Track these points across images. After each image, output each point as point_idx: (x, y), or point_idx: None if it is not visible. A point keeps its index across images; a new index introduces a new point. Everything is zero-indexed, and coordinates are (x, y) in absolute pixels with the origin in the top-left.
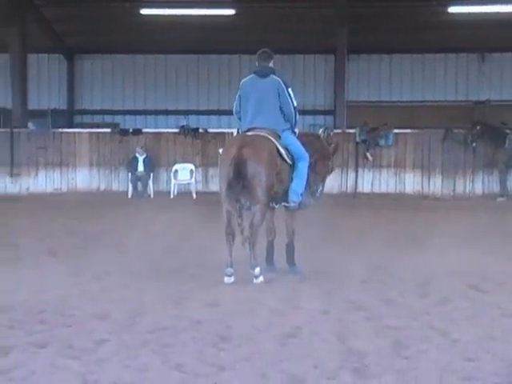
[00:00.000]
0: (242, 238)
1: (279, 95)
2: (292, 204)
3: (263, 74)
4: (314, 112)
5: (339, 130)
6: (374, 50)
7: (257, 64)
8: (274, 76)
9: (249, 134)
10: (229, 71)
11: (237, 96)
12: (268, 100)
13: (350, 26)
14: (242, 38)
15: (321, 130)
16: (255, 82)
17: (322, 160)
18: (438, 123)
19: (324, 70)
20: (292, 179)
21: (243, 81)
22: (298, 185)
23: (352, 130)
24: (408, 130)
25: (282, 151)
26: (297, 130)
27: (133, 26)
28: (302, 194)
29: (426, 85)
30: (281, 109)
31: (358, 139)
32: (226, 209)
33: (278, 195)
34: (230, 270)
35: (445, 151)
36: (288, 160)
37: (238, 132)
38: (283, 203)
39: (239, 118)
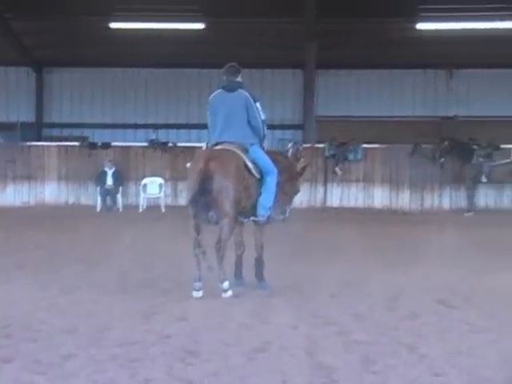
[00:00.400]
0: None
1: (247, 109)
2: (260, 218)
3: (231, 88)
4: (283, 126)
5: (308, 145)
6: (342, 65)
7: (224, 79)
8: (241, 90)
9: (216, 148)
10: (198, 85)
11: (207, 112)
12: (236, 114)
13: (319, 41)
14: (211, 52)
15: (290, 145)
16: (223, 97)
17: (289, 180)
18: (407, 138)
19: (293, 84)
20: (260, 193)
21: (211, 96)
22: (267, 199)
23: (321, 145)
24: (376, 145)
25: (250, 165)
26: (265, 145)
27: (102, 39)
28: (270, 208)
29: (395, 100)
30: (249, 123)
31: (327, 154)
32: (194, 223)
33: (245, 209)
34: (198, 284)
35: (413, 166)
36: (256, 174)
37: (206, 146)
38: (252, 217)
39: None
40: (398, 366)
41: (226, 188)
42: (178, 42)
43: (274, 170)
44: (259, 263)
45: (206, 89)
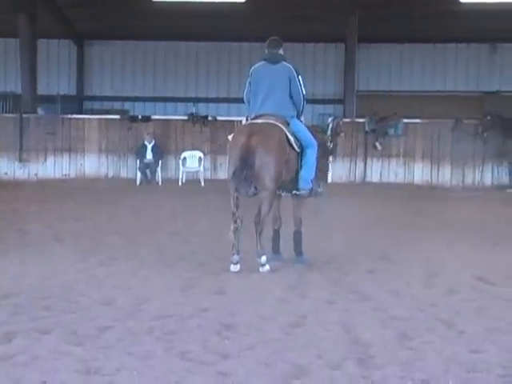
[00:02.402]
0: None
1: (290, 82)
2: (302, 192)
3: (274, 60)
4: (324, 101)
5: (348, 120)
6: (384, 40)
7: (266, 51)
8: (285, 63)
9: (258, 121)
10: (239, 59)
11: (247, 83)
12: (278, 86)
13: (361, 15)
14: (252, 25)
15: (330, 119)
16: (266, 69)
17: (323, 157)
18: (448, 113)
19: (334, 58)
20: (301, 167)
21: (254, 67)
22: (308, 172)
23: (361, 120)
24: (417, 120)
25: (291, 138)
26: (303, 119)
27: (143, 12)
28: (311, 181)
29: (437, 75)
30: (290, 96)
31: (367, 128)
32: (233, 197)
33: (284, 183)
34: (236, 257)
35: (454, 141)
36: (296, 148)
37: (246, 120)
38: (294, 191)
39: (249, 105)
40: (436, 342)
41: (267, 163)
42: (219, 16)
43: (315, 142)
44: (298, 237)
45: (247, 63)
